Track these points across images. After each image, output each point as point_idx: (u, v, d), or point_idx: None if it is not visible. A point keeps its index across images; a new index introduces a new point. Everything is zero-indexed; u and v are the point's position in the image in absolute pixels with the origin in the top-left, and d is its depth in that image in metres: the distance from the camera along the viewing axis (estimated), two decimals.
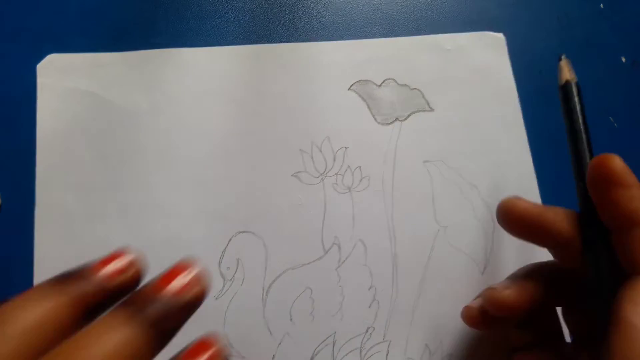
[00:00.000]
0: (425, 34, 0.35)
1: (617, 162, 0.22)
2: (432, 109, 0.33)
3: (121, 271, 0.19)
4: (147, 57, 0.33)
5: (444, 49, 0.34)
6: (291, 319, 0.29)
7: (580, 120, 0.25)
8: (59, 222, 0.29)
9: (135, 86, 0.32)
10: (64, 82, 0.32)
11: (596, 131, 0.33)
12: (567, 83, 0.26)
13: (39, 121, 0.31)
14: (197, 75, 0.33)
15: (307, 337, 0.28)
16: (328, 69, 0.33)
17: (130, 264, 0.20)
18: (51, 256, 0.29)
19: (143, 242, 0.29)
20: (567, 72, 0.26)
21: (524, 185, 0.32)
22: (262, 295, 0.29)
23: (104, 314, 0.18)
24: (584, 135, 0.24)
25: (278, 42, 0.34)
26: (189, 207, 0.30)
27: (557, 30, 0.36)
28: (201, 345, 0.18)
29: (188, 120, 0.32)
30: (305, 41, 0.34)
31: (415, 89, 0.33)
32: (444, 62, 0.34)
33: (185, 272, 0.19)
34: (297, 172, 0.31)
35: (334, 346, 0.28)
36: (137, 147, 0.31)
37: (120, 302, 0.18)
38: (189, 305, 0.19)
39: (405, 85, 0.33)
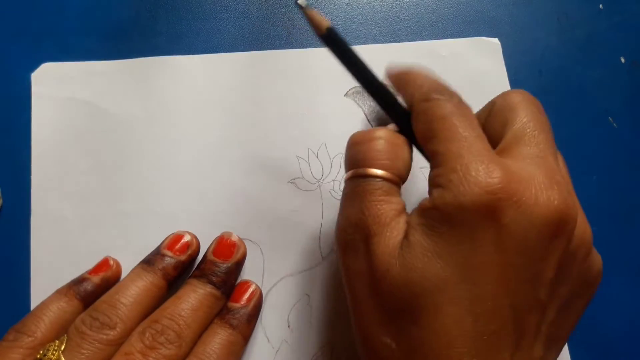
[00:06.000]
0: (424, 35, 0.35)
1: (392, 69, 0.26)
2: None
3: (186, 247, 0.28)
4: (142, 64, 0.33)
5: (440, 55, 0.34)
6: (289, 326, 0.29)
7: (354, 53, 0.26)
8: (55, 230, 0.30)
9: (131, 94, 0.32)
10: (59, 91, 0.32)
11: (596, 131, 0.34)
12: (329, 29, 0.25)
13: (33, 130, 0.31)
14: (192, 82, 0.33)
15: (305, 344, 0.28)
16: (324, 75, 0.33)
17: (190, 242, 0.28)
18: (48, 264, 0.29)
19: (139, 250, 0.28)
20: (323, 20, 0.25)
21: None
22: None
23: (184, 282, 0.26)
24: (365, 64, 0.26)
25: (278, 43, 0.34)
26: (185, 214, 0.30)
27: (557, 30, 0.36)
28: (243, 284, 0.28)
29: (184, 127, 0.32)
30: (305, 42, 0.34)
31: None
32: (440, 68, 0.33)
33: (229, 239, 0.28)
34: (294, 179, 0.31)
35: (332, 354, 0.28)
36: (132, 155, 0.31)
37: (192, 273, 0.27)
38: (239, 262, 0.28)
39: None
